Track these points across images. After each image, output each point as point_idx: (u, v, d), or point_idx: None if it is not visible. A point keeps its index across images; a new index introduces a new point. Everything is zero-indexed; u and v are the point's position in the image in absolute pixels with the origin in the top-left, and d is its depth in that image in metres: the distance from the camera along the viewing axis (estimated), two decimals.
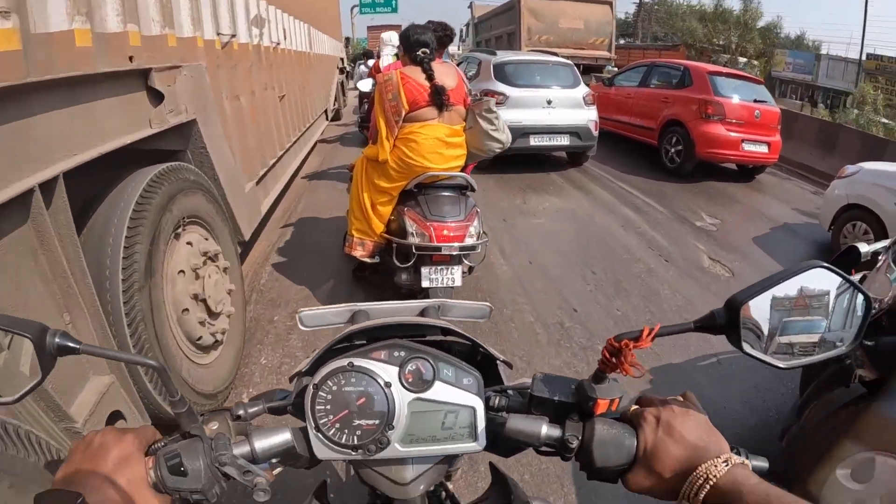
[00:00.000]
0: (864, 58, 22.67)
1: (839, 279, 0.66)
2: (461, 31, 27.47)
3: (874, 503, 1.69)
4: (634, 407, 0.69)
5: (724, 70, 8.29)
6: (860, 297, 0.67)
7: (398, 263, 3.04)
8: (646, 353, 3.17)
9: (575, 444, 0.67)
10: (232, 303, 2.47)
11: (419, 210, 3.00)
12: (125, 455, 0.60)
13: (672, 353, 3.18)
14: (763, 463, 0.64)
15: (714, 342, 3.32)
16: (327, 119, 8.85)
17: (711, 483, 0.56)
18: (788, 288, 0.64)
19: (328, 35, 9.17)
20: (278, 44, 4.62)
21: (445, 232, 2.93)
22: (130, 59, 1.88)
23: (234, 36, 3.18)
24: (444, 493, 0.98)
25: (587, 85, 8.33)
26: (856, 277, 2.33)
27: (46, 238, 1.41)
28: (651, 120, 8.12)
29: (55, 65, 1.48)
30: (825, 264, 0.65)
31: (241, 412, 0.71)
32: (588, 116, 7.29)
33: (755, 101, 7.45)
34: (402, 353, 0.72)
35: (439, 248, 2.92)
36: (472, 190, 3.19)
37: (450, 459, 0.78)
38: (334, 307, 0.90)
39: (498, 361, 0.84)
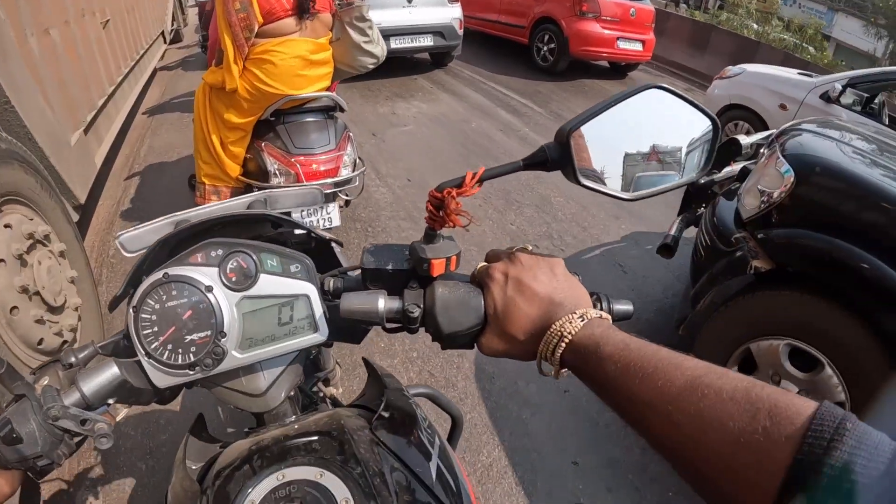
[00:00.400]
0: None
1: (680, 101, 0.62)
2: None
3: (790, 389, 1.82)
4: (483, 264, 0.64)
5: None
6: (707, 122, 0.65)
7: None
8: None
9: (417, 312, 0.62)
10: (78, 292, 2.13)
11: (280, 143, 2.60)
12: None
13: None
14: (627, 306, 0.63)
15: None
16: (165, 42, 7.77)
17: (567, 341, 0.52)
18: (621, 113, 0.60)
19: None
20: None
21: (315, 167, 2.58)
22: None
23: None
24: (326, 400, 0.94)
25: None
26: (735, 167, 2.51)
27: None
28: (521, 18, 7.95)
29: None
30: (663, 85, 0.61)
31: (72, 360, 0.65)
32: (452, 14, 6.92)
33: None
34: (220, 252, 0.66)
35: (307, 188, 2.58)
36: (342, 111, 2.82)
37: (303, 358, 0.74)
38: (153, 222, 0.82)
39: (331, 243, 0.79)
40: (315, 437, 0.65)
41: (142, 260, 0.70)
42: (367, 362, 0.87)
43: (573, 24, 7.09)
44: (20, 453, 0.56)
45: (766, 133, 2.60)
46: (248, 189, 2.68)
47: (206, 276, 0.64)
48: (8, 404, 0.58)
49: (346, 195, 2.92)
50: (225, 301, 0.64)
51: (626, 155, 0.62)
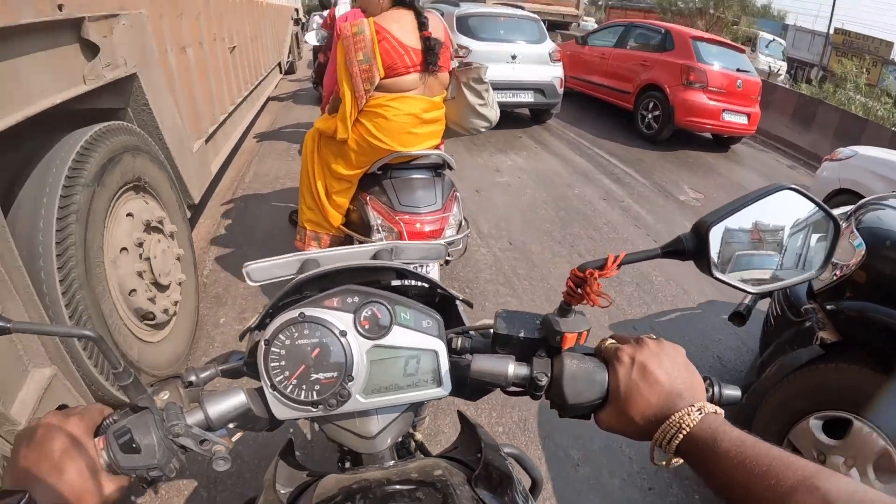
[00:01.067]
0: (831, 31, 22.92)
1: (809, 203, 0.66)
2: None
3: (837, 461, 1.80)
4: (609, 341, 0.67)
5: (707, 36, 8.19)
6: (830, 223, 0.68)
7: None
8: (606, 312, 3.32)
9: (544, 381, 0.65)
10: (182, 269, 2.38)
11: (385, 199, 2.51)
12: (72, 440, 0.57)
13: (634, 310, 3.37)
14: (735, 392, 0.65)
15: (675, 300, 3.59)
16: (281, 73, 8.51)
17: (685, 433, 0.56)
18: (756, 211, 0.64)
19: None
20: None
21: (419, 226, 2.46)
22: (60, 7, 1.72)
23: None
24: (412, 444, 0.96)
25: (554, 42, 8.20)
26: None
27: None
28: (627, 83, 7.95)
29: None
30: (794, 186, 0.65)
31: (192, 378, 0.69)
32: (553, 73, 7.25)
33: (738, 70, 7.38)
34: (356, 299, 0.69)
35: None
36: (450, 169, 2.71)
37: (415, 408, 0.76)
38: (282, 258, 0.87)
39: (458, 301, 0.82)
40: (417, 487, 0.66)
41: (278, 298, 0.73)
42: (461, 415, 0.89)
43: (679, 94, 7.06)
44: (135, 462, 0.59)
45: (848, 207, 2.58)
46: (348, 240, 2.72)
47: (340, 320, 0.67)
48: (122, 412, 0.62)
49: (450, 255, 2.84)
50: (356, 347, 0.67)
51: (726, 230, 0.64)
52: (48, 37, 1.72)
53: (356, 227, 2.63)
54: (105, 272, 1.86)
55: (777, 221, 0.67)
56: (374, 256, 0.91)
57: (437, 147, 2.66)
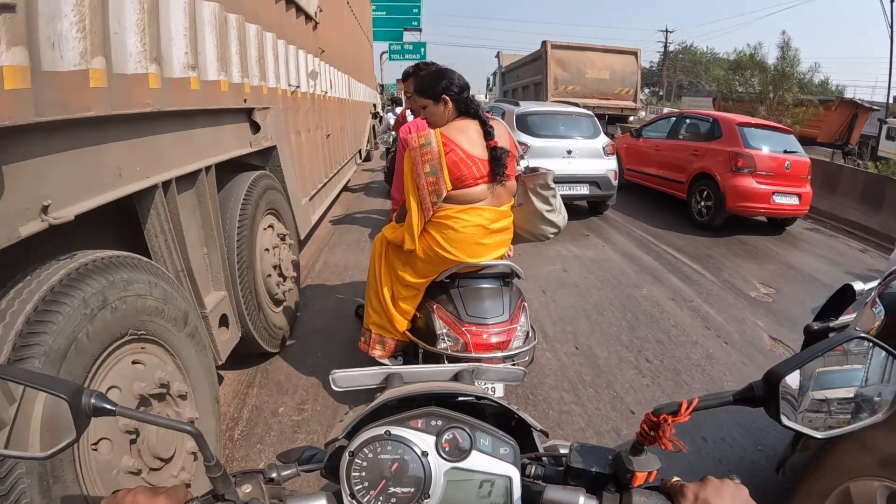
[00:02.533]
0: (891, 101, 23.08)
1: (878, 349, 0.69)
2: (488, 80, 28.61)
3: None
4: (675, 479, 0.71)
5: (754, 121, 8.53)
6: None
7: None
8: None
9: None
10: (294, 269, 3.60)
11: (452, 308, 2.52)
12: None
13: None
14: None
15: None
16: (360, 158, 10.18)
17: None
18: (826, 360, 0.66)
19: (363, 83, 10.66)
20: (326, 92, 5.92)
21: (485, 337, 2.45)
22: (245, 100, 3.03)
23: (298, 86, 4.40)
24: None
25: (610, 136, 8.92)
26: (850, 316, 2.48)
27: (202, 199, 2.49)
28: (680, 173, 8.37)
29: (209, 99, 2.61)
30: (865, 335, 0.69)
31: (273, 475, 0.75)
32: (608, 166, 7.82)
33: (785, 151, 7.65)
34: (440, 422, 0.74)
35: (478, 360, 2.39)
36: (518, 278, 2.68)
37: None
38: (367, 370, 0.95)
39: (533, 431, 0.86)
40: None
41: (364, 414, 0.79)
42: None
43: (729, 180, 7.35)
44: None
45: (881, 279, 2.58)
46: (412, 346, 2.70)
47: (423, 441, 0.72)
48: (205, 498, 0.70)
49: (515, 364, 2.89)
50: (436, 467, 0.71)
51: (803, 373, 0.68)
52: (236, 117, 3.01)
53: (421, 335, 2.62)
54: (257, 261, 3.06)
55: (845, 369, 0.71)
56: (456, 376, 0.97)
57: (505, 255, 2.66)
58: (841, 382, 0.72)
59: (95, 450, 1.52)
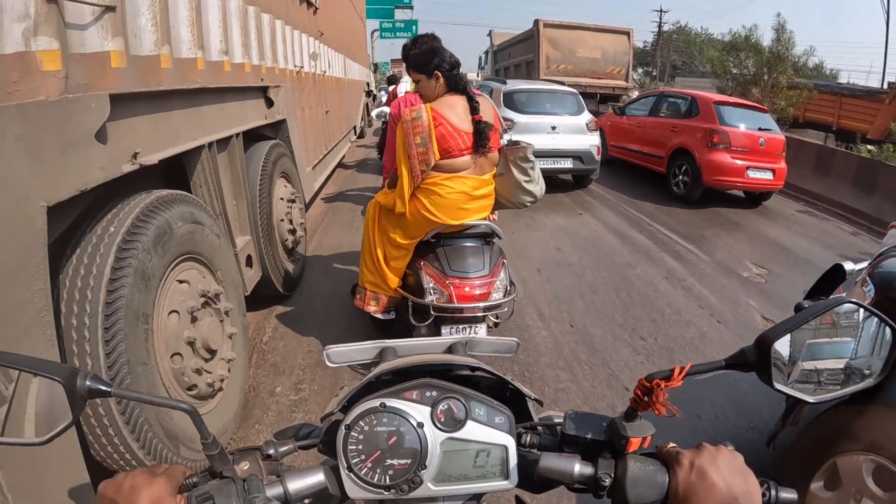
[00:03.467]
0: (885, 86, 22.78)
1: (868, 314, 0.73)
2: (480, 58, 28.71)
3: (849, 503, 1.88)
4: (671, 445, 0.73)
5: (731, 99, 9.04)
6: (888, 331, 0.73)
7: (414, 322, 2.96)
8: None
9: (608, 481, 0.72)
10: (302, 224, 4.27)
11: (437, 265, 2.87)
12: (156, 497, 0.63)
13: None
14: (792, 495, 0.71)
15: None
16: (355, 134, 10.84)
17: None
18: (816, 323, 0.69)
19: (357, 63, 11.26)
20: (325, 72, 6.53)
21: (467, 290, 2.80)
22: (262, 80, 3.65)
23: (302, 67, 5.01)
24: None
25: (594, 113, 9.44)
26: (841, 296, 2.51)
27: (233, 160, 3.11)
28: (660, 148, 8.93)
29: (237, 78, 3.23)
30: (854, 301, 0.73)
31: (271, 451, 0.77)
32: (591, 142, 8.37)
33: (760, 129, 8.12)
34: (434, 393, 0.77)
35: (460, 310, 2.83)
36: (499, 238, 3.03)
37: (478, 496, 0.81)
38: (361, 344, 0.97)
39: (528, 399, 0.88)
40: None
41: (358, 387, 0.81)
42: (518, 501, 0.98)
43: (705, 155, 7.88)
44: None
45: (871, 259, 2.65)
46: (404, 301, 3.03)
47: (419, 412, 0.75)
48: (203, 474, 0.72)
49: (496, 318, 3.19)
50: (432, 438, 0.74)
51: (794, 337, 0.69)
52: (255, 93, 3.62)
53: (411, 290, 2.98)
54: (274, 214, 3.70)
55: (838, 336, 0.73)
56: (450, 348, 0.99)
57: (487, 218, 2.98)
58: (831, 353, 0.72)
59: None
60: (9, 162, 1.42)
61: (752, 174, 7.93)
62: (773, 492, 0.71)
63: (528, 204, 3.07)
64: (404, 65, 2.93)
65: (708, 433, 2.95)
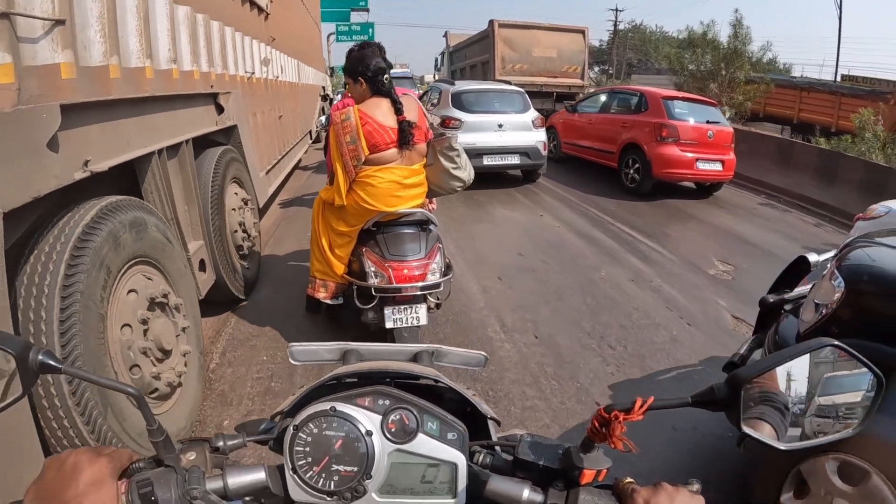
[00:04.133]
0: (838, 79, 23.88)
1: (850, 359, 0.69)
2: (436, 60, 28.72)
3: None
4: (628, 480, 0.70)
5: (679, 94, 9.41)
6: (871, 378, 0.71)
7: (360, 305, 3.17)
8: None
9: None
10: (255, 229, 4.38)
11: (378, 250, 3.15)
12: (97, 478, 0.63)
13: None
14: None
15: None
16: (311, 139, 10.94)
17: None
18: (796, 366, 0.67)
19: (312, 67, 11.33)
20: (277, 77, 6.63)
21: (405, 272, 3.07)
22: (211, 86, 3.75)
23: (253, 73, 5.11)
24: None
25: (551, 112, 10.04)
26: (806, 288, 2.55)
27: (184, 166, 3.21)
28: (611, 144, 9.24)
29: (186, 85, 3.33)
30: (836, 342, 0.68)
31: (220, 444, 0.76)
32: (537, 138, 8.85)
33: (708, 122, 8.46)
34: (387, 402, 0.76)
35: (399, 290, 3.07)
36: (434, 225, 3.34)
37: None
38: (326, 344, 0.98)
39: (489, 420, 0.87)
40: None
41: (311, 388, 0.82)
42: None
43: (654, 149, 8.20)
44: None
45: (836, 250, 2.61)
46: (350, 286, 3.28)
47: (368, 420, 0.74)
48: (149, 461, 0.71)
49: (437, 298, 3.42)
50: (380, 447, 0.73)
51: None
52: (205, 100, 3.72)
53: (356, 275, 3.26)
54: (226, 219, 3.80)
55: (815, 376, 0.70)
56: (415, 357, 1.00)
57: (423, 206, 3.33)
58: (808, 400, 0.70)
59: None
60: None
61: (701, 166, 8.26)
62: None
63: (458, 188, 3.38)
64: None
65: (685, 448, 2.88)
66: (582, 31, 17.67)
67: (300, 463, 0.73)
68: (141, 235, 2.43)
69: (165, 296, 2.58)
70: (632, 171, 8.76)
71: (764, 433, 0.68)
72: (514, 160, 8.82)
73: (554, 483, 0.74)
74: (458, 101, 8.92)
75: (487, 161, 8.53)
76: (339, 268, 3.34)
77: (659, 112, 8.47)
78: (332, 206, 3.24)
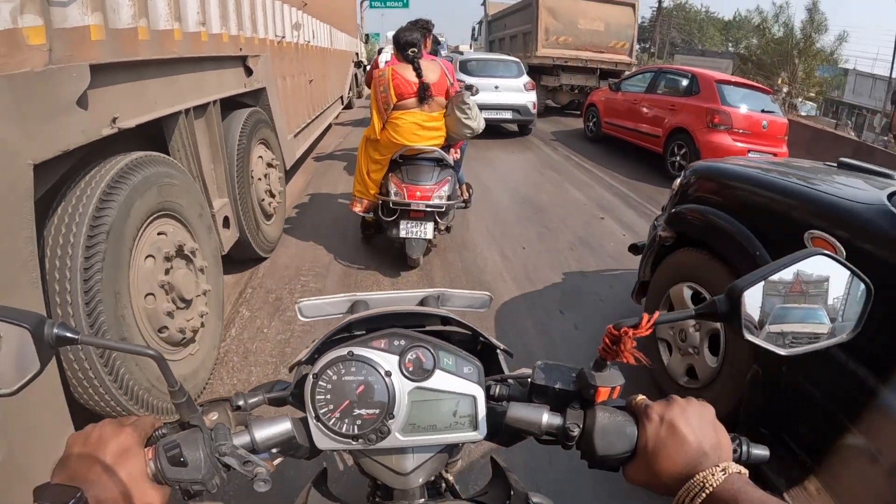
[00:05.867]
0: (894, 74, 22.67)
1: (840, 266, 0.72)
2: (473, 29, 28.05)
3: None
4: (641, 397, 0.74)
5: (733, 79, 8.92)
6: (861, 286, 0.73)
7: (384, 217, 4.19)
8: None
9: (576, 431, 0.73)
10: (281, 188, 4.58)
11: (400, 175, 4.15)
12: (124, 447, 0.65)
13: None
14: (764, 451, 0.73)
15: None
16: (342, 105, 11.12)
17: (707, 492, 0.61)
18: (787, 275, 0.70)
19: (345, 33, 11.42)
20: (308, 42, 6.74)
21: (417, 193, 4.06)
22: (240, 49, 3.89)
23: (283, 37, 5.23)
24: (443, 485, 1.06)
25: (581, 87, 11.84)
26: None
27: (210, 126, 3.36)
28: (657, 127, 8.81)
29: (214, 48, 3.47)
30: (826, 252, 0.71)
31: (240, 402, 0.78)
32: (527, 98, 11.06)
33: (762, 111, 8.01)
34: (403, 342, 0.79)
35: (409, 205, 4.06)
36: (447, 163, 4.25)
37: (450, 449, 0.84)
38: (333, 297, 1.01)
39: (498, 350, 0.91)
40: None
41: (326, 338, 0.85)
42: (493, 461, 0.98)
43: (705, 136, 7.77)
44: (181, 475, 0.67)
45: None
46: (381, 204, 4.28)
47: (387, 361, 0.76)
48: (172, 426, 0.73)
49: (446, 222, 4.35)
50: (399, 387, 0.76)
51: (767, 282, 0.69)
52: (234, 63, 3.86)
53: (383, 193, 4.30)
54: (252, 179, 3.98)
55: (812, 285, 0.72)
56: (422, 302, 1.03)
57: (444, 147, 4.29)
58: (802, 318, 0.73)
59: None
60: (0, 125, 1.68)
61: (753, 157, 7.30)
62: (744, 447, 0.73)
63: (468, 135, 4.26)
64: (386, 37, 4.55)
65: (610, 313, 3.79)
66: (632, 5, 16.31)
67: (322, 411, 0.75)
68: (167, 189, 2.60)
69: (193, 251, 2.76)
70: (678, 158, 8.23)
71: (765, 341, 0.71)
72: (508, 115, 10.98)
73: (571, 404, 0.76)
74: (465, 67, 11.08)
75: (485, 115, 9.34)
76: (373, 188, 4.36)
77: (712, 96, 8.03)
78: (370, 140, 4.29)
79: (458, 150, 4.67)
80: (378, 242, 4.88)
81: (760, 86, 9.16)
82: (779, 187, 2.48)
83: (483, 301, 1.09)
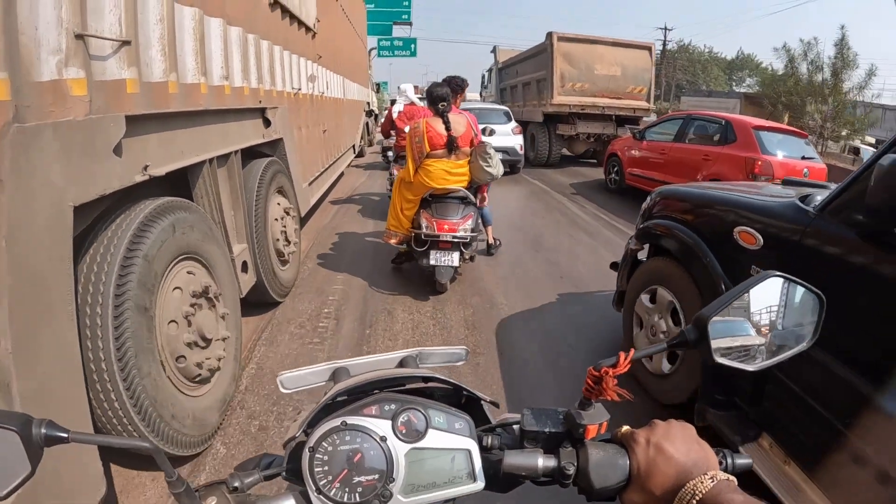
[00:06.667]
0: None
1: (795, 285, 0.82)
2: (483, 76, 27.94)
3: (654, 318, 3.28)
4: (625, 428, 0.79)
5: (768, 124, 8.54)
6: (814, 297, 0.83)
7: (416, 247, 4.80)
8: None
9: (572, 470, 0.77)
10: (296, 237, 4.76)
11: (430, 211, 4.78)
12: None
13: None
14: (747, 460, 0.79)
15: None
16: (354, 153, 11.50)
17: (698, 498, 0.66)
18: (750, 298, 0.79)
19: (357, 83, 11.91)
20: (322, 93, 7.06)
21: (446, 226, 4.69)
22: (260, 101, 4.13)
23: (299, 89, 5.51)
24: None
25: (612, 136, 12.40)
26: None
27: (232, 174, 3.55)
28: (689, 178, 8.00)
29: (236, 100, 3.70)
30: (780, 273, 0.80)
31: (237, 483, 0.79)
32: (515, 141, 12.96)
33: (802, 157, 7.67)
34: (393, 406, 0.81)
35: (438, 236, 4.67)
36: (471, 201, 4.89)
37: (450, 503, 0.84)
38: (313, 367, 1.03)
39: (483, 402, 0.94)
40: None
41: (317, 409, 0.85)
42: None
43: None
44: None
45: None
46: (411, 236, 4.92)
47: (379, 427, 0.78)
48: None
49: (470, 256, 5.17)
50: (396, 450, 0.78)
51: (725, 320, 0.78)
52: (254, 114, 4.09)
53: (415, 226, 4.92)
54: (269, 225, 4.15)
55: (770, 303, 0.81)
56: (401, 362, 1.07)
57: (468, 188, 4.87)
58: (736, 331, 0.80)
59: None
60: (47, 169, 1.83)
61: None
62: (728, 459, 0.78)
63: (489, 180, 4.87)
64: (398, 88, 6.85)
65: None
66: (648, 48, 16.09)
67: (322, 482, 0.76)
68: (190, 233, 2.75)
69: (208, 287, 2.87)
70: None
71: (733, 362, 0.79)
72: (500, 156, 11.21)
73: (562, 445, 0.80)
74: None
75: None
76: (405, 223, 4.97)
77: (750, 144, 7.62)
78: (405, 181, 4.89)
79: (485, 193, 5.28)
80: (406, 270, 5.59)
81: (795, 130, 8.89)
82: (717, 198, 3.02)
83: (459, 356, 1.14)
